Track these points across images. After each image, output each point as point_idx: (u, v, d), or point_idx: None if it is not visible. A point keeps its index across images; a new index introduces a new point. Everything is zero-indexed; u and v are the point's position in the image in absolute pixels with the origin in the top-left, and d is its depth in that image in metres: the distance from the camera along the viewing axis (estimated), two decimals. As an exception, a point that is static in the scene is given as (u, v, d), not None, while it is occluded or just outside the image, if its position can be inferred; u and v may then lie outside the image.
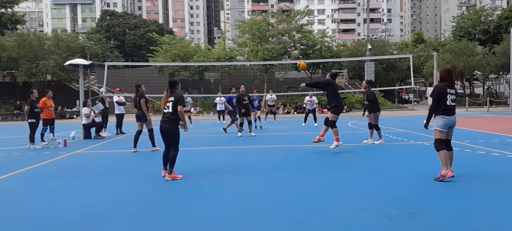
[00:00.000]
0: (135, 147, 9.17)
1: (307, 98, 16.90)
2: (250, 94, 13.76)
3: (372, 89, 10.46)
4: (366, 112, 9.92)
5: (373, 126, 9.77)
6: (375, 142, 9.69)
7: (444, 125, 5.38)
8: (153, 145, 9.29)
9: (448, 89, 5.35)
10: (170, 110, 5.87)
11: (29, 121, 10.55)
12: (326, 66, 38.69)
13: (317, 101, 17.24)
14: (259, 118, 16.28)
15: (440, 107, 5.36)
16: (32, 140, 10.50)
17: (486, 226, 3.57)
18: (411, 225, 3.62)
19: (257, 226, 3.73)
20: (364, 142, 9.99)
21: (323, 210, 4.20)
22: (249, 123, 12.68)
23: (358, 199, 4.57)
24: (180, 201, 4.71)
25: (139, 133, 9.30)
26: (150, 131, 9.27)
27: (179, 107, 5.89)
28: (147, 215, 4.11)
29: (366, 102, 9.84)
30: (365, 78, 35.80)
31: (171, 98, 5.87)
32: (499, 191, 4.79)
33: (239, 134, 12.47)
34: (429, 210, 4.07)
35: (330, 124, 8.35)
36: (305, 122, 16.72)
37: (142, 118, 9.19)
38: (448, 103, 5.33)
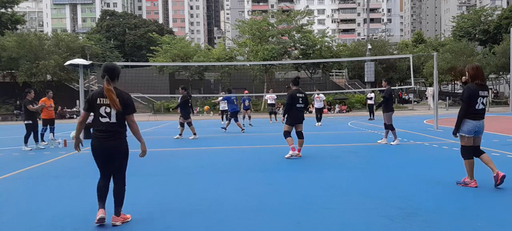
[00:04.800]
0: None
1: (315, 95, 16.99)
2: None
3: (384, 89, 10.55)
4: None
5: (387, 126, 9.61)
6: (391, 143, 9.49)
7: (469, 130, 4.84)
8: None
9: (480, 91, 4.78)
10: (114, 120, 3.70)
11: (26, 122, 10.29)
12: (326, 66, 38.70)
13: (324, 98, 17.03)
14: (249, 117, 17.37)
15: (468, 111, 4.80)
16: (26, 141, 10.25)
17: (486, 226, 3.57)
18: (411, 225, 3.62)
19: (257, 226, 3.73)
20: (378, 141, 10.00)
21: (323, 210, 4.20)
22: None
23: (358, 199, 4.57)
24: (180, 201, 4.71)
25: None
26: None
27: (130, 118, 3.77)
28: (147, 215, 4.11)
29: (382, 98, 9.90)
30: (366, 79, 35.91)
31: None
32: (499, 191, 4.79)
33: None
34: (429, 210, 4.07)
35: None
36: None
37: None
38: (477, 107, 4.79)
